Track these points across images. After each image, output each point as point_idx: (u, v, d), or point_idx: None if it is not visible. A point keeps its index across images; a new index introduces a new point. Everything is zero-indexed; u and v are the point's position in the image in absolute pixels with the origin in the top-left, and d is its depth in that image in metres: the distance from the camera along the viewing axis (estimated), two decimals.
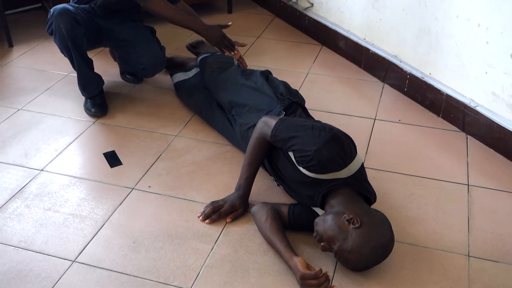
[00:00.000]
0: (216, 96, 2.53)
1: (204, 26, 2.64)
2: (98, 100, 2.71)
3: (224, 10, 4.02)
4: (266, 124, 1.98)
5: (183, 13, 2.62)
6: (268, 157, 2.09)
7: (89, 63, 2.67)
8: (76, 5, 2.63)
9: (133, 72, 2.93)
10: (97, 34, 2.69)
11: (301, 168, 1.88)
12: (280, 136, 1.92)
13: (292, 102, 2.23)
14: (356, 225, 1.71)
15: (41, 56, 3.33)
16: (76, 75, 2.70)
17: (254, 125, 2.08)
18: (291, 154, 1.92)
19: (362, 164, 1.94)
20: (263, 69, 2.58)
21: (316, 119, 2.24)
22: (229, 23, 2.70)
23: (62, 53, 2.63)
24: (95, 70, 2.72)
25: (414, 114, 2.74)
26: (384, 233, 1.74)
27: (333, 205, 1.82)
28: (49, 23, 2.55)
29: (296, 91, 2.39)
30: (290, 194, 2.09)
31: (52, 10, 2.52)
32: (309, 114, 2.30)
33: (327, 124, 1.95)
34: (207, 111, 2.61)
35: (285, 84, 2.39)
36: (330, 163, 1.80)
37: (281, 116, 2.09)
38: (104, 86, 2.79)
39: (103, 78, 2.78)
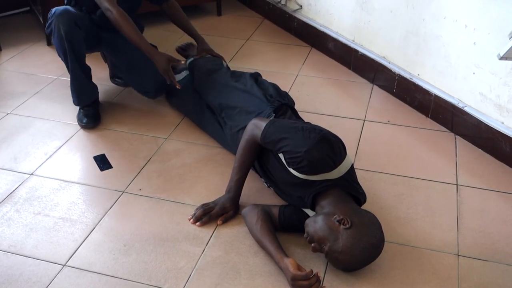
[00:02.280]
0: (206, 99, 2.53)
1: (152, 50, 2.49)
2: (90, 111, 2.66)
3: (213, 12, 4.03)
4: (256, 126, 1.99)
5: (138, 32, 2.48)
6: (258, 159, 2.09)
7: (86, 70, 2.63)
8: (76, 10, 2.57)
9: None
10: (96, 41, 2.67)
11: (291, 170, 1.89)
12: (270, 138, 1.92)
13: (281, 104, 2.24)
14: (347, 226, 1.72)
15: (30, 60, 3.31)
16: (68, 78, 2.66)
17: (244, 127, 2.09)
18: (281, 155, 1.93)
19: (352, 165, 1.95)
20: (252, 71, 2.59)
21: (306, 120, 2.25)
22: (182, 62, 2.60)
23: (59, 56, 2.57)
24: None
25: (403, 115, 2.76)
26: (374, 233, 1.75)
27: (323, 206, 1.83)
28: (48, 22, 2.50)
29: (286, 93, 2.40)
30: (280, 195, 2.10)
31: (53, 9, 2.48)
32: (299, 115, 2.31)
33: (317, 126, 1.96)
34: (197, 114, 2.61)
35: (275, 86, 2.40)
36: (320, 164, 1.81)
37: (271, 118, 2.10)
38: None
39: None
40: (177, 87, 2.48)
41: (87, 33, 2.54)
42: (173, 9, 2.86)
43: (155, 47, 2.88)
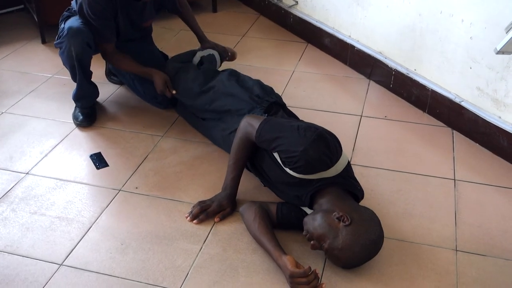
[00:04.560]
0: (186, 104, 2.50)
1: (150, 72, 2.56)
2: (87, 110, 2.66)
3: (209, 9, 4.01)
4: (250, 124, 1.97)
5: (134, 64, 2.59)
6: (251, 159, 2.08)
7: (90, 76, 2.62)
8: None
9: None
10: None
11: (287, 169, 1.87)
12: (265, 137, 1.91)
13: (271, 103, 2.21)
14: (347, 223, 1.71)
15: (25, 58, 3.29)
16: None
17: (236, 130, 2.06)
18: (276, 155, 1.91)
19: (349, 162, 1.94)
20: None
21: (303, 117, 2.24)
22: (174, 92, 2.53)
23: (65, 66, 2.58)
24: None
25: (400, 110, 2.75)
26: (374, 230, 1.74)
27: (322, 204, 1.82)
28: (59, 39, 2.48)
29: (271, 89, 2.36)
30: (277, 194, 2.08)
31: (67, 28, 2.42)
32: (290, 112, 2.27)
33: (312, 124, 1.94)
34: (187, 114, 2.59)
35: (259, 84, 2.35)
36: (317, 164, 1.80)
37: (264, 116, 2.07)
38: None
39: None
40: (174, 92, 2.50)
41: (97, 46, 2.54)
42: (185, 9, 2.88)
43: (166, 56, 2.92)
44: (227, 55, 2.89)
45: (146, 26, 2.71)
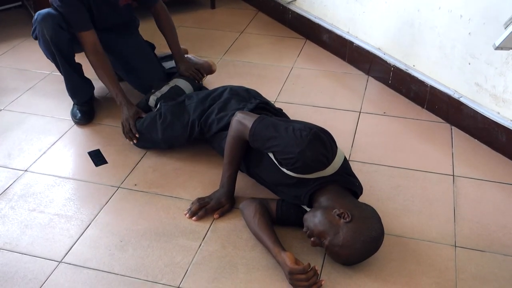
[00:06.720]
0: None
1: (123, 100, 2.44)
2: (85, 107, 2.65)
3: (207, 5, 4.00)
4: (242, 123, 1.95)
5: (111, 77, 2.47)
6: (246, 165, 2.07)
7: (77, 68, 2.60)
8: None
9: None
10: None
11: (284, 170, 1.87)
12: (259, 135, 1.89)
13: (257, 104, 2.19)
14: (347, 220, 1.71)
15: (23, 55, 3.29)
16: (62, 77, 2.64)
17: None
18: (271, 155, 1.91)
19: (345, 158, 1.93)
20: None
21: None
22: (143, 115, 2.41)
23: (48, 58, 2.55)
24: None
25: (399, 106, 2.75)
26: (374, 226, 1.74)
27: (321, 202, 1.81)
28: (33, 27, 2.47)
29: (254, 94, 2.32)
30: (276, 194, 2.05)
31: (36, 15, 2.43)
32: (280, 114, 2.25)
33: (305, 123, 1.92)
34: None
35: (237, 97, 2.27)
36: (315, 164, 1.79)
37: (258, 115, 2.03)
38: None
39: None
40: (136, 135, 2.36)
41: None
42: (161, 15, 2.69)
43: (153, 46, 2.85)
44: (199, 78, 2.66)
45: (122, 4, 2.56)
